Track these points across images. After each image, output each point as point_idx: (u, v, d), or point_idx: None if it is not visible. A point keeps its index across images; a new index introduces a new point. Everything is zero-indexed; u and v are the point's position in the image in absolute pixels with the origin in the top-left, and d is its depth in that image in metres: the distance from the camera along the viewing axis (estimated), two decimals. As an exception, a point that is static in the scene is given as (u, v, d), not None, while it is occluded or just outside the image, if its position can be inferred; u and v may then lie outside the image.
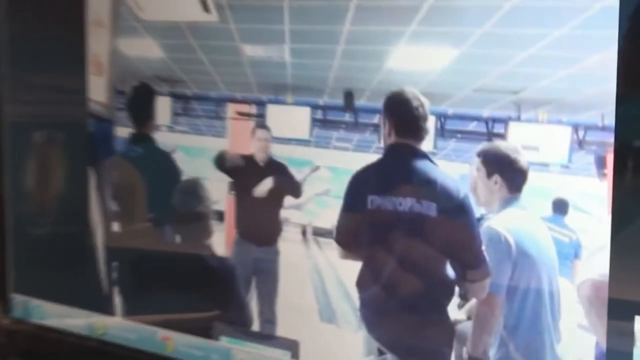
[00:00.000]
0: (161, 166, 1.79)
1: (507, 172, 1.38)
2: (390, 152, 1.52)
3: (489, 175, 1.41)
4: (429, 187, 1.47)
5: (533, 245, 1.39)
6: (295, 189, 1.64)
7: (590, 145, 1.28)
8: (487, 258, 1.41)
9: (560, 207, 1.31)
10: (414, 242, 1.48)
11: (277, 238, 1.66)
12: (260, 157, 1.69)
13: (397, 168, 1.51)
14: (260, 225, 1.72)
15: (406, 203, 1.46)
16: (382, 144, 1.52)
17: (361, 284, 1.54)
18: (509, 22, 1.30)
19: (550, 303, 1.36)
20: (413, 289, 1.50)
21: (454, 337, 1.49)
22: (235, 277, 1.71)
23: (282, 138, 1.61)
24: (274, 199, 1.67)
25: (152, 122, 1.76)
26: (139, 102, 1.78)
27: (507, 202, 1.41)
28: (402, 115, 1.47)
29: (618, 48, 1.18)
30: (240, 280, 1.73)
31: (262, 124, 1.64)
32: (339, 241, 1.57)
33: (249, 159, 1.70)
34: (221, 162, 1.69)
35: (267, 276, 1.70)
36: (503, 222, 1.42)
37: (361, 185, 1.52)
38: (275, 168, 1.66)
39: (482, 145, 1.40)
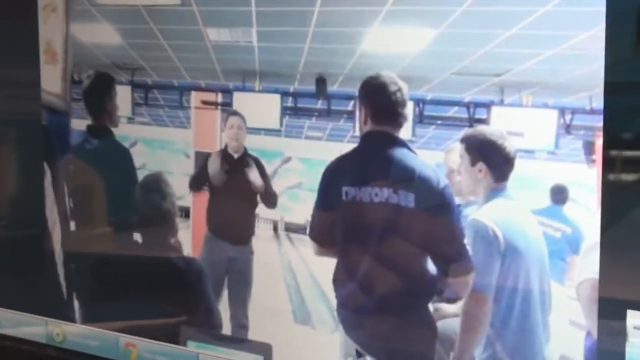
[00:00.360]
0: (120, 161, 1.70)
1: (493, 160, 1.31)
2: (366, 140, 1.44)
3: (473, 162, 1.34)
4: (407, 177, 1.40)
5: (522, 238, 1.32)
6: (269, 196, 1.58)
7: (578, 130, 1.23)
8: (472, 252, 1.34)
9: (558, 195, 1.25)
10: (391, 236, 1.42)
11: (252, 236, 1.60)
12: (233, 147, 1.60)
13: (373, 157, 1.44)
14: (234, 223, 1.64)
15: (382, 194, 1.40)
16: (357, 133, 1.45)
17: (338, 281, 1.48)
18: (490, 0, 1.24)
19: (541, 300, 1.30)
20: (392, 286, 1.43)
21: (436, 338, 1.42)
22: (203, 278, 1.62)
23: (250, 128, 1.55)
24: (248, 195, 1.60)
25: (110, 114, 1.68)
26: (95, 93, 1.69)
27: (492, 193, 1.34)
28: (379, 101, 1.40)
29: (606, 25, 1.13)
30: (208, 281, 1.64)
31: (234, 112, 1.57)
32: (314, 237, 1.50)
33: (221, 151, 1.62)
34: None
35: (240, 276, 1.62)
36: (490, 214, 1.34)
37: (335, 177, 1.46)
38: (249, 162, 1.58)
39: (466, 131, 1.33)
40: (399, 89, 1.38)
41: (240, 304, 1.62)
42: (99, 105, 1.70)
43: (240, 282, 1.62)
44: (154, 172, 1.65)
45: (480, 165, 1.33)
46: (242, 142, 1.58)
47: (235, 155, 1.61)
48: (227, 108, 1.57)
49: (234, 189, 1.61)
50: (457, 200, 1.39)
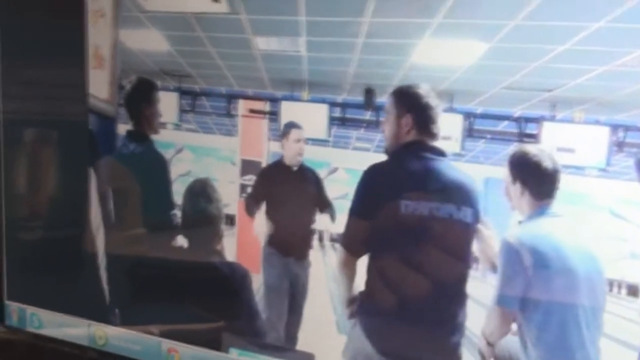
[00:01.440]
0: (156, 168, 1.70)
1: (530, 179, 1.30)
2: (414, 151, 1.40)
3: (514, 181, 1.34)
4: (466, 193, 1.38)
5: (562, 256, 1.30)
6: (329, 208, 1.57)
7: (631, 148, 1.22)
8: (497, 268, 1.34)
9: None
10: (452, 250, 1.39)
11: (310, 249, 1.61)
12: (296, 161, 1.60)
13: (429, 171, 1.39)
14: (297, 238, 1.65)
15: (445, 209, 1.37)
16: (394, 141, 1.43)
17: (373, 292, 1.45)
18: (542, 14, 1.22)
19: (588, 319, 1.28)
20: (444, 300, 1.40)
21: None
22: (247, 285, 1.61)
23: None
24: (309, 208, 1.59)
25: (149, 120, 1.68)
26: (135, 98, 1.69)
27: (536, 211, 1.32)
28: (428, 111, 1.38)
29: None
30: (252, 288, 1.63)
31: (296, 124, 1.55)
32: (349, 245, 1.46)
33: (281, 165, 1.62)
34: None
35: (302, 289, 1.64)
36: (522, 232, 1.33)
37: (388, 188, 1.41)
38: (308, 175, 1.58)
39: (512, 148, 1.32)
40: (439, 103, 1.38)
41: (298, 316, 1.63)
42: (139, 111, 1.70)
43: (301, 295, 1.64)
44: (201, 178, 1.64)
45: (519, 183, 1.32)
46: (302, 156, 1.58)
47: (294, 168, 1.60)
48: (289, 122, 1.56)
49: (296, 202, 1.60)
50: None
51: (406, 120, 1.40)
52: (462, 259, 1.38)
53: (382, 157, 1.44)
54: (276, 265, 1.65)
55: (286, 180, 1.60)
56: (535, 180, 1.30)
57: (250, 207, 1.62)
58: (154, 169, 1.71)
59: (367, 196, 1.43)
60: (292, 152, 1.57)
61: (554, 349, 1.30)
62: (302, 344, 1.55)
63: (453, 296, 1.40)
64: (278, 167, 1.61)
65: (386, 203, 1.39)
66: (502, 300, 1.33)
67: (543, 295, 1.30)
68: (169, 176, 1.68)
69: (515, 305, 1.31)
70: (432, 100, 1.37)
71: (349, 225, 1.45)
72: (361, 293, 1.46)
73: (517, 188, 1.33)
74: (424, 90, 1.37)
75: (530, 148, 1.29)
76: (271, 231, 1.63)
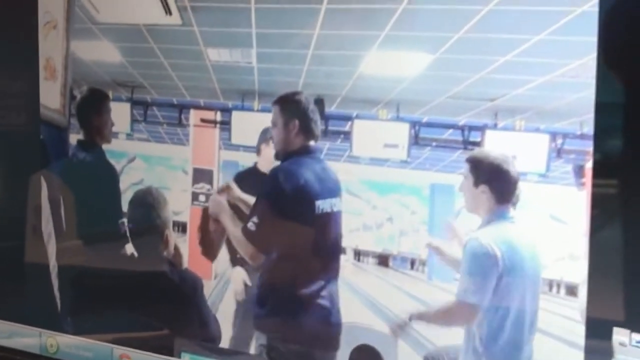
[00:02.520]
0: (107, 177, 1.71)
1: (495, 183, 1.35)
2: (309, 153, 1.53)
3: (476, 184, 1.37)
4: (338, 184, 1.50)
5: (520, 259, 1.35)
6: None
7: (569, 154, 1.26)
8: (468, 269, 1.38)
9: None
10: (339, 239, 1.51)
11: None
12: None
13: (325, 170, 1.52)
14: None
15: (336, 203, 1.51)
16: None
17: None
18: (485, 27, 1.28)
19: (530, 320, 1.33)
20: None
21: None
22: (198, 292, 1.63)
23: (249, 146, 1.56)
24: None
25: (100, 130, 1.69)
26: (86, 108, 1.71)
27: (494, 214, 1.37)
28: (313, 117, 1.49)
29: (597, 54, 1.17)
30: (203, 294, 1.64)
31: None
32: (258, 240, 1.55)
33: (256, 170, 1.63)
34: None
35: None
36: (490, 234, 1.37)
37: (306, 189, 1.52)
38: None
39: (473, 152, 1.36)
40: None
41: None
42: (89, 120, 1.71)
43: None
44: (144, 187, 1.67)
45: (483, 187, 1.36)
46: None
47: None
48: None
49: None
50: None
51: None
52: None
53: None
54: None
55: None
56: (500, 183, 1.34)
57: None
58: (104, 178, 1.72)
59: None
60: (270, 157, 1.60)
61: (504, 348, 1.35)
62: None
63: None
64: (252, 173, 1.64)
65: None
66: (465, 296, 1.37)
67: (504, 297, 1.35)
68: (118, 185, 1.70)
69: (480, 300, 1.36)
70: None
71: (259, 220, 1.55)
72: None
73: (478, 191, 1.37)
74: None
75: (495, 152, 1.34)
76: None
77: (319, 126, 1.49)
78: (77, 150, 1.73)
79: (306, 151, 1.52)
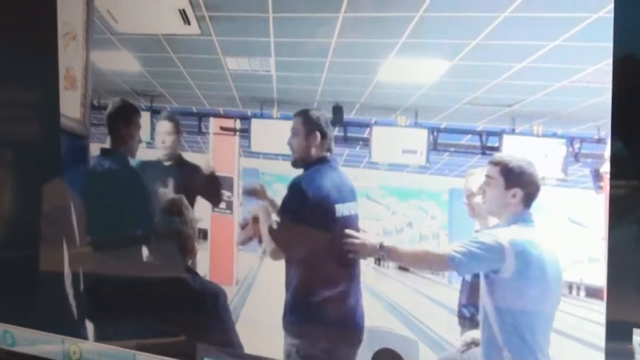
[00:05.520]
0: (136, 184, 1.72)
1: (528, 187, 1.35)
2: (329, 162, 1.58)
3: (508, 187, 1.37)
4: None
5: (539, 263, 1.35)
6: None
7: (586, 158, 1.27)
8: (473, 260, 1.40)
9: None
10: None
11: None
12: None
13: (342, 177, 1.56)
14: None
15: (352, 207, 1.56)
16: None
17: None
18: (502, 34, 1.29)
19: (550, 322, 1.34)
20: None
21: None
22: (220, 303, 1.63)
23: (268, 154, 1.57)
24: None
25: (129, 139, 1.71)
26: (118, 120, 1.72)
27: (519, 218, 1.38)
28: (329, 130, 1.55)
29: (613, 60, 1.17)
30: (226, 305, 1.65)
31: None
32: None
33: None
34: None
35: None
36: (510, 235, 1.37)
37: (326, 195, 1.57)
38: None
39: (499, 155, 1.37)
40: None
41: None
42: (116, 129, 1.73)
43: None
44: (175, 197, 1.68)
45: (516, 190, 1.37)
46: None
47: None
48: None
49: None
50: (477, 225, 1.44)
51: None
52: None
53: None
54: None
55: None
56: (532, 188, 1.34)
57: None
58: (129, 186, 1.74)
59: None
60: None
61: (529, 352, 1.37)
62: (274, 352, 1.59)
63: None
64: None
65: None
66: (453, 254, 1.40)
67: (523, 297, 1.36)
68: (143, 193, 1.71)
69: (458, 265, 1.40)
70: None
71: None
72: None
73: (509, 194, 1.37)
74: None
75: (523, 157, 1.34)
76: None
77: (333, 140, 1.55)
78: (101, 159, 1.74)
79: (325, 160, 1.57)
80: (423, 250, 1.48)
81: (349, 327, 1.54)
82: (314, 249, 1.57)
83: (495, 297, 1.38)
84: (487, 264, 1.38)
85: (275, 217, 1.60)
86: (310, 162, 1.57)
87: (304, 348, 1.56)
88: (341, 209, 1.55)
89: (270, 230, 1.59)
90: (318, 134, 1.55)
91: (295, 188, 1.57)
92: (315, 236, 1.56)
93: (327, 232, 1.55)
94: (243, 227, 1.63)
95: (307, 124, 1.54)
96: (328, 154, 1.56)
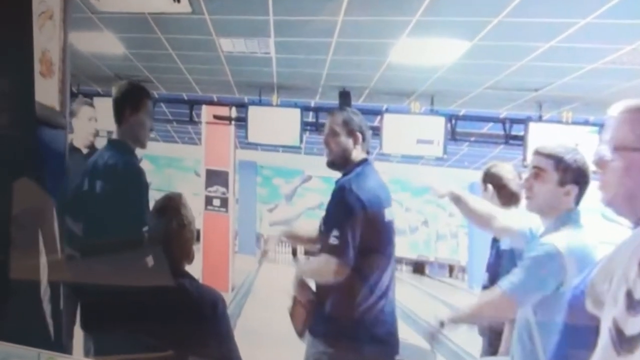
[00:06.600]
0: (139, 181, 1.54)
1: (584, 185, 1.24)
2: (369, 165, 1.47)
3: (562, 183, 1.25)
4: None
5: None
6: None
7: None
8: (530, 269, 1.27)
9: None
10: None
11: None
12: None
13: (380, 181, 1.47)
14: None
15: (392, 212, 1.45)
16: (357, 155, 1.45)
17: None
18: (527, 11, 1.17)
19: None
20: None
21: None
22: (219, 313, 1.47)
23: (267, 145, 1.48)
24: None
25: (139, 128, 1.54)
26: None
27: (568, 217, 1.26)
28: (368, 132, 1.46)
29: (651, 38, 1.09)
30: (225, 314, 1.48)
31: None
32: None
33: None
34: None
35: None
36: (566, 241, 1.25)
37: (375, 199, 1.43)
38: None
39: (553, 146, 1.25)
40: None
41: None
42: (123, 117, 1.55)
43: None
44: (174, 195, 1.47)
45: (570, 187, 1.25)
46: None
47: None
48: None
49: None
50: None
51: None
52: None
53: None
54: None
55: None
56: (587, 185, 1.25)
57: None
58: (134, 185, 1.55)
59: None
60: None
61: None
62: None
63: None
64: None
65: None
66: (512, 290, 1.27)
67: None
68: (144, 191, 1.54)
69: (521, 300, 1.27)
70: None
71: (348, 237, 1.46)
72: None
73: (562, 191, 1.25)
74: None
75: (578, 150, 1.25)
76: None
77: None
78: (107, 151, 1.56)
79: (367, 162, 1.46)
80: (483, 303, 1.34)
81: (391, 336, 1.42)
82: (371, 257, 1.44)
83: (543, 311, 1.26)
84: (549, 280, 1.25)
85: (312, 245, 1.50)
86: (351, 164, 1.46)
87: (337, 357, 1.44)
88: (387, 214, 1.44)
89: (329, 248, 1.44)
90: (359, 135, 1.44)
91: (346, 192, 1.44)
92: (372, 243, 1.44)
93: (380, 238, 1.43)
94: (297, 308, 1.49)
95: (349, 124, 1.44)
96: (368, 155, 1.46)
